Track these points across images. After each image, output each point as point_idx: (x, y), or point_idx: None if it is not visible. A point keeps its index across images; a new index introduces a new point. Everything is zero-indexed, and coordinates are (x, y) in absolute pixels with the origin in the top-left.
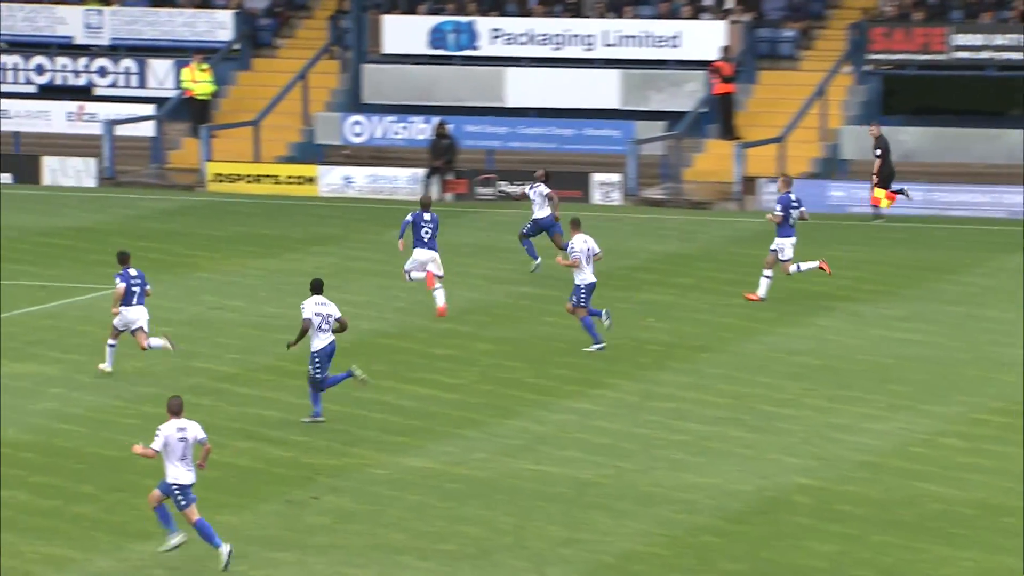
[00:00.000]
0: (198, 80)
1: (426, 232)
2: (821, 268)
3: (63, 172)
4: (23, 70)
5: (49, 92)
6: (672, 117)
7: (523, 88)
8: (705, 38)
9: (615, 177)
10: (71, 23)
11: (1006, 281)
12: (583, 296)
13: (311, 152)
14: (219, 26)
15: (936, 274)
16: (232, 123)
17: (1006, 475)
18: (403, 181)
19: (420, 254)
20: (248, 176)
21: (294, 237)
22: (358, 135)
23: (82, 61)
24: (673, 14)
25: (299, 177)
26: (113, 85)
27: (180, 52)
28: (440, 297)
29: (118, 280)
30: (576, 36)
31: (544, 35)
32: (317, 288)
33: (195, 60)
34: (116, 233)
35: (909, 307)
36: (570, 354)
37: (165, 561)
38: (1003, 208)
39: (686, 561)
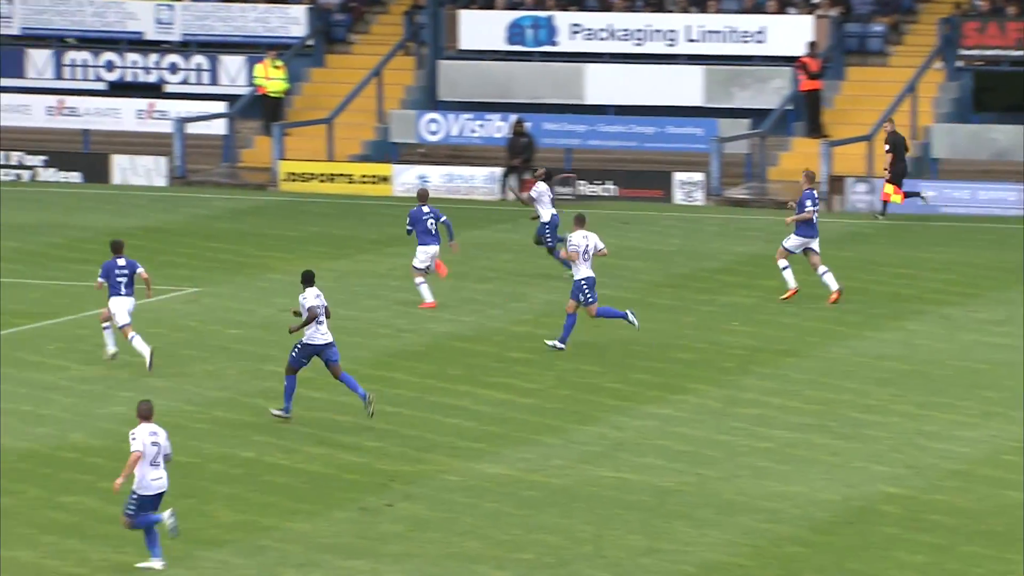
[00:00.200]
0: (271, 77)
1: (430, 224)
2: (835, 295)
3: (133, 171)
4: (92, 67)
5: (119, 89)
6: (757, 115)
7: (603, 85)
8: (791, 33)
9: (698, 176)
10: (142, 18)
11: None
12: (586, 291)
13: (385, 151)
14: (292, 21)
15: None
16: (305, 121)
17: None
18: (480, 180)
19: (427, 249)
20: (321, 175)
21: (368, 238)
22: (434, 133)
23: (153, 57)
24: (758, 8)
25: (373, 176)
26: (184, 82)
27: (252, 48)
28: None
29: (100, 273)
30: (658, 31)
31: (625, 30)
32: (310, 279)
33: (269, 57)
34: (186, 233)
35: (1001, 311)
36: (651, 358)
37: (234, 568)
38: None
39: (770, 572)
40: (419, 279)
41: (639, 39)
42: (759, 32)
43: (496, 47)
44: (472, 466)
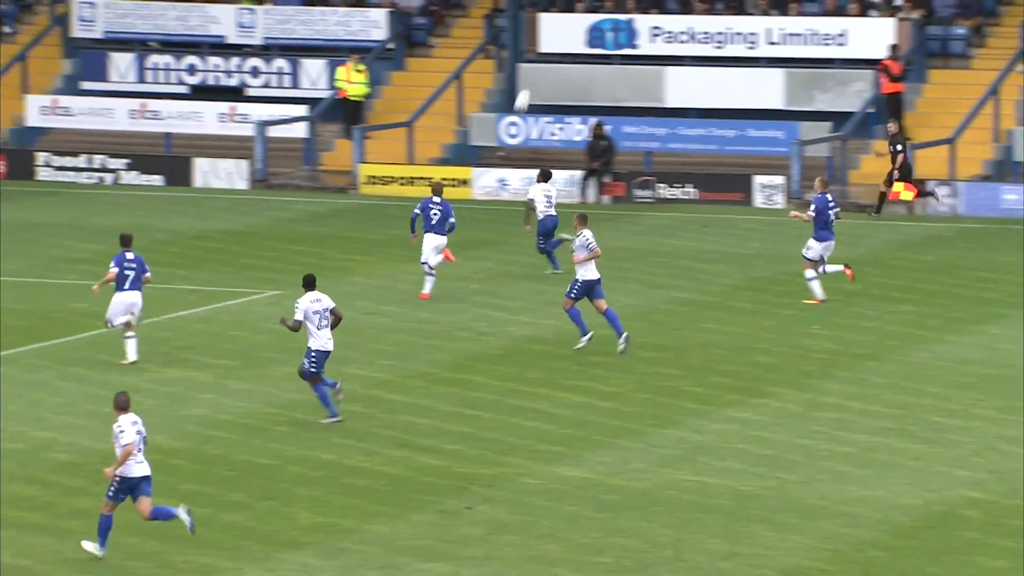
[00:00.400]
0: (353, 81)
1: (435, 214)
2: (845, 273)
3: (214, 174)
4: (175, 70)
5: (201, 93)
6: (838, 118)
7: (683, 88)
8: (873, 36)
9: (778, 179)
10: (224, 22)
11: None
12: (576, 290)
13: (465, 154)
14: (373, 25)
15: None
16: (385, 124)
17: None
18: (560, 184)
19: (431, 239)
20: (401, 178)
21: (451, 240)
22: (514, 136)
23: (234, 61)
24: (840, 11)
25: (453, 179)
26: (265, 85)
27: (333, 52)
28: (428, 285)
29: (112, 263)
30: (738, 34)
31: (705, 33)
32: (310, 284)
33: (352, 60)
34: (268, 236)
35: None
36: (730, 361)
37: (314, 571)
38: None
39: None
40: (428, 270)
41: (720, 42)
42: (840, 35)
43: (576, 50)
44: (551, 469)
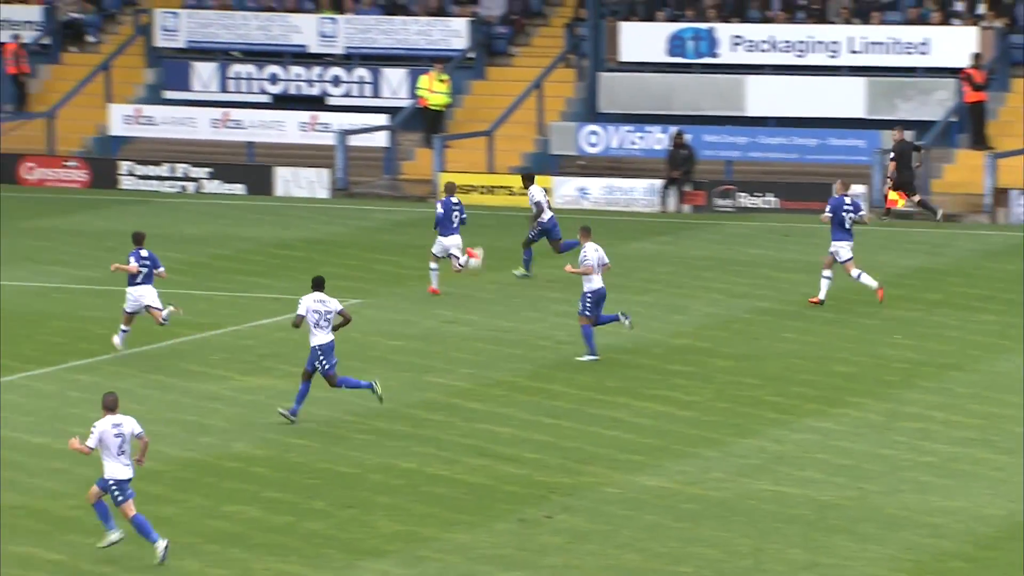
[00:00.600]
0: (435, 90)
1: (456, 216)
2: (878, 293)
3: (296, 183)
4: (257, 79)
5: (282, 102)
6: (920, 126)
7: (764, 97)
8: (955, 45)
9: (860, 189)
10: (305, 32)
11: None
12: (588, 304)
13: (546, 162)
14: (454, 34)
15: None
16: (466, 133)
17: None
18: (640, 192)
19: (446, 240)
20: (481, 187)
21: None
22: (594, 145)
23: (316, 70)
24: (922, 20)
25: None
26: (347, 95)
27: (414, 61)
28: (435, 278)
29: (131, 258)
30: (820, 43)
31: (787, 42)
32: (318, 285)
33: (435, 69)
34: (349, 245)
35: None
36: (811, 371)
37: None
38: None
39: None
40: (433, 264)
41: (801, 51)
42: (923, 43)
43: (657, 59)
44: (631, 478)
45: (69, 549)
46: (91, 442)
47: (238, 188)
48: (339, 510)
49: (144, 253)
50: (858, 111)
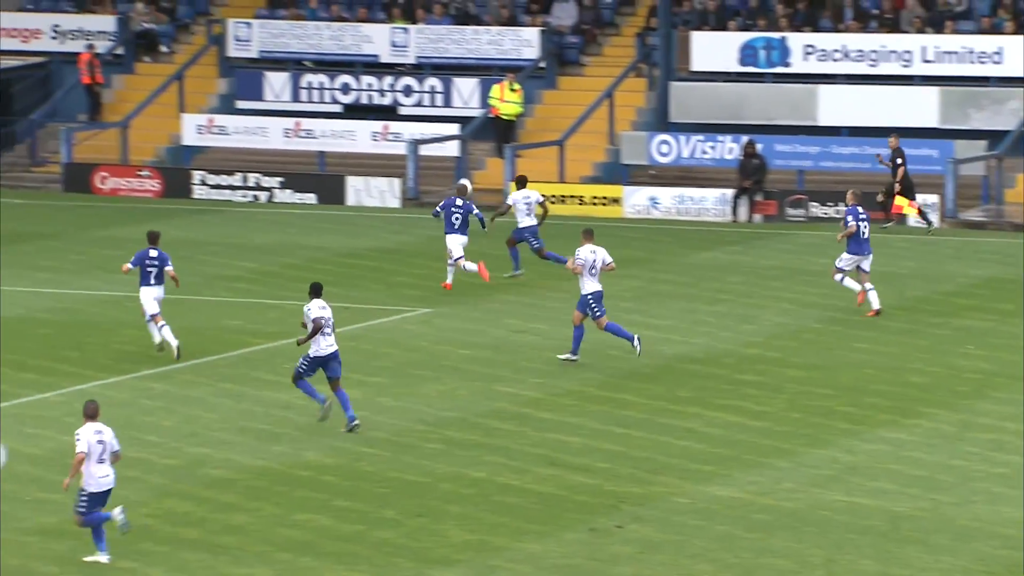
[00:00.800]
0: (506, 99)
1: (456, 218)
2: (873, 312)
3: (367, 192)
4: (328, 89)
5: (354, 111)
6: (993, 136)
7: (836, 106)
8: None
9: (932, 198)
10: (377, 41)
11: None
12: (592, 305)
13: (616, 172)
14: (525, 44)
15: None
16: (537, 143)
17: None
18: (711, 202)
19: (450, 240)
20: (552, 197)
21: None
22: (665, 155)
23: (387, 80)
24: (995, 29)
25: (604, 198)
26: (418, 104)
27: (485, 71)
28: (451, 275)
29: (132, 260)
30: (893, 52)
31: (859, 51)
32: (317, 291)
33: (507, 79)
34: (420, 254)
35: None
36: (883, 382)
37: None
38: None
39: None
40: (456, 258)
41: (873, 60)
42: (996, 53)
43: (728, 68)
44: (702, 488)
45: (142, 557)
46: (83, 447)
47: (309, 197)
48: (409, 519)
49: (154, 253)
50: (931, 121)
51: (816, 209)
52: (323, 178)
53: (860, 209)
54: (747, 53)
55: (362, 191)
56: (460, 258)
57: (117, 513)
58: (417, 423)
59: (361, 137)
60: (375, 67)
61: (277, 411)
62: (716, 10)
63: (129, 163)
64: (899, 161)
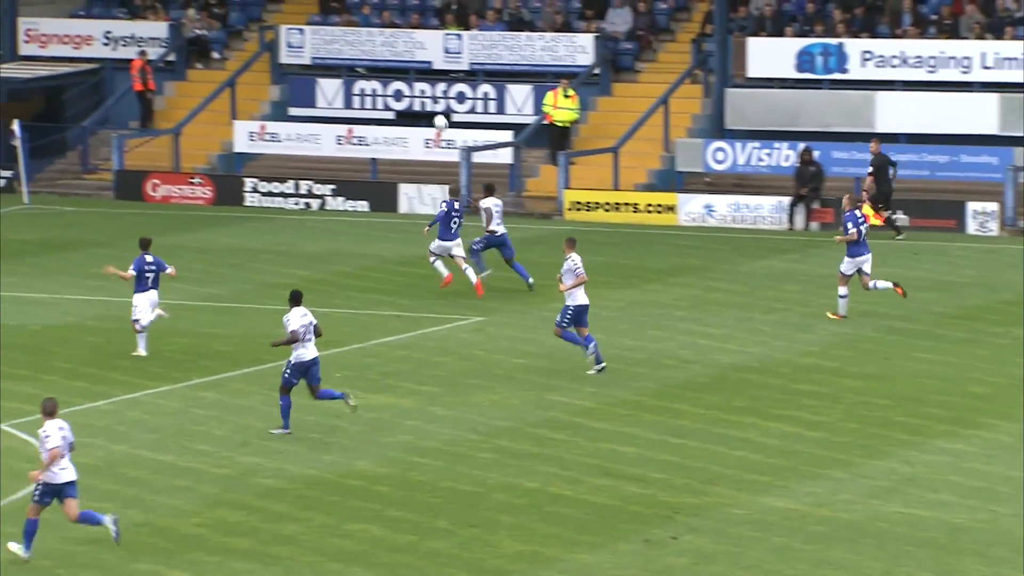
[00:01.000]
0: (560, 106)
1: (455, 222)
2: (896, 290)
3: (420, 200)
4: (381, 96)
5: (407, 118)
6: None
7: (894, 113)
8: None
9: (992, 206)
10: (430, 48)
11: None
12: (568, 317)
13: (671, 179)
14: (579, 50)
15: None
16: (591, 150)
17: None
18: (767, 210)
19: (446, 243)
20: (606, 204)
21: (653, 267)
22: (720, 162)
23: (440, 87)
24: None
25: (659, 205)
26: (471, 111)
27: (539, 77)
28: (471, 275)
29: (134, 266)
30: (951, 58)
31: (918, 57)
32: (297, 299)
33: (561, 85)
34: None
35: None
36: (942, 392)
37: None
38: None
39: None
40: (432, 258)
41: (932, 66)
42: None
43: (785, 75)
44: (758, 499)
45: (193, 567)
46: (56, 442)
47: (361, 205)
48: (462, 529)
49: (149, 258)
50: (990, 127)
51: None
52: (375, 185)
53: (858, 213)
54: (804, 59)
55: (415, 198)
56: (434, 255)
57: (109, 522)
58: (470, 432)
59: (413, 144)
60: (428, 74)
61: (328, 420)
62: (773, 16)
63: (181, 170)
64: (869, 169)
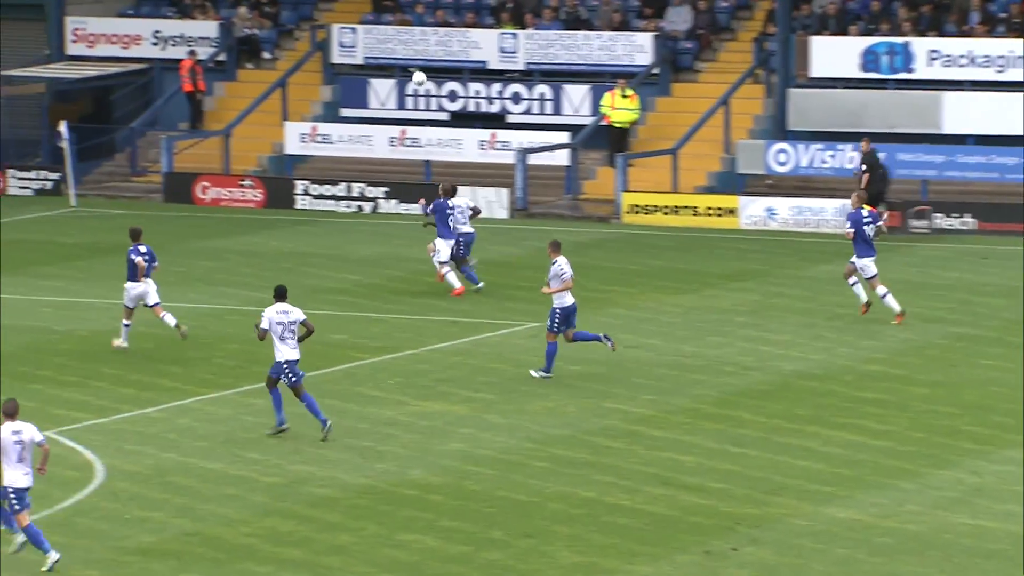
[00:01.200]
0: (618, 107)
1: (452, 220)
2: (896, 318)
3: (475, 202)
4: (435, 96)
5: (461, 119)
6: None
7: (962, 113)
8: None
9: None
10: (485, 47)
11: None
12: (557, 320)
13: (732, 182)
14: (638, 50)
15: None
16: (650, 151)
17: None
18: (830, 213)
19: (446, 242)
20: (665, 207)
21: (713, 272)
22: (782, 164)
23: (495, 87)
24: None
25: (719, 208)
26: (527, 112)
27: (596, 77)
28: (453, 279)
29: (132, 255)
30: (1020, 58)
31: (986, 57)
32: (281, 295)
33: (619, 85)
34: (527, 267)
35: None
36: (1011, 400)
37: None
38: None
39: None
40: (445, 270)
41: (1001, 66)
42: None
43: (849, 74)
44: (821, 510)
45: None
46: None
47: (415, 208)
48: (517, 539)
49: (143, 248)
50: None
51: (940, 220)
52: (429, 188)
53: (865, 212)
54: (869, 59)
55: (469, 201)
56: (444, 262)
57: (53, 553)
58: (525, 441)
59: (468, 146)
60: (483, 74)
61: (381, 428)
62: (836, 14)
63: (231, 172)
64: (863, 168)
